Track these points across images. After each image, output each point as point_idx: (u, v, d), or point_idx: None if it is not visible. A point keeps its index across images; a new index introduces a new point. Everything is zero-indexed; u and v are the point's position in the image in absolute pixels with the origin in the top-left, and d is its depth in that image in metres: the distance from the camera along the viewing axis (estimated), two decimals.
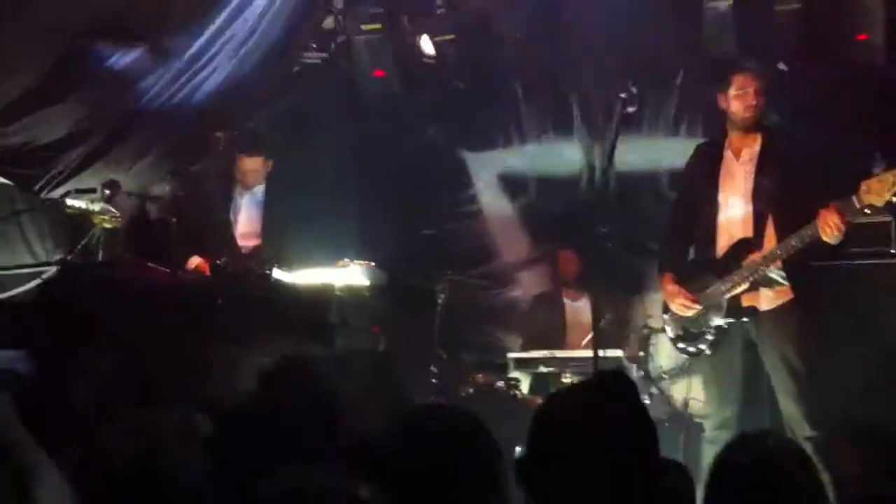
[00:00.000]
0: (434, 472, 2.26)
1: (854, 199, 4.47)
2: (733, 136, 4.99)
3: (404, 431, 2.37)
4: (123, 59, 6.35)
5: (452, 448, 2.31)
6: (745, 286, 4.78)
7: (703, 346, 4.96)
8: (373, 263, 5.89)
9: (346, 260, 5.85)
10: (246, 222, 6.27)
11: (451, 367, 6.14)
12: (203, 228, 6.03)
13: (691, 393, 5.60)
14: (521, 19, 7.14)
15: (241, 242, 6.14)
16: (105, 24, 6.13)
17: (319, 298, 5.43)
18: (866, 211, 4.56)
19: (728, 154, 4.99)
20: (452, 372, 6.09)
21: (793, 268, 4.72)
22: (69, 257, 5.76)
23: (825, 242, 4.56)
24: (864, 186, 4.45)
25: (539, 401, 5.75)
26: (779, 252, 4.68)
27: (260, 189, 6.30)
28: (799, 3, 6.71)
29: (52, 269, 5.54)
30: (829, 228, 4.48)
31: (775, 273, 4.75)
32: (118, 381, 4.97)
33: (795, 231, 4.64)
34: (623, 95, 4.78)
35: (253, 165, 6.24)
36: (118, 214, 5.89)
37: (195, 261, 5.81)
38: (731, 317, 4.84)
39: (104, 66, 6.30)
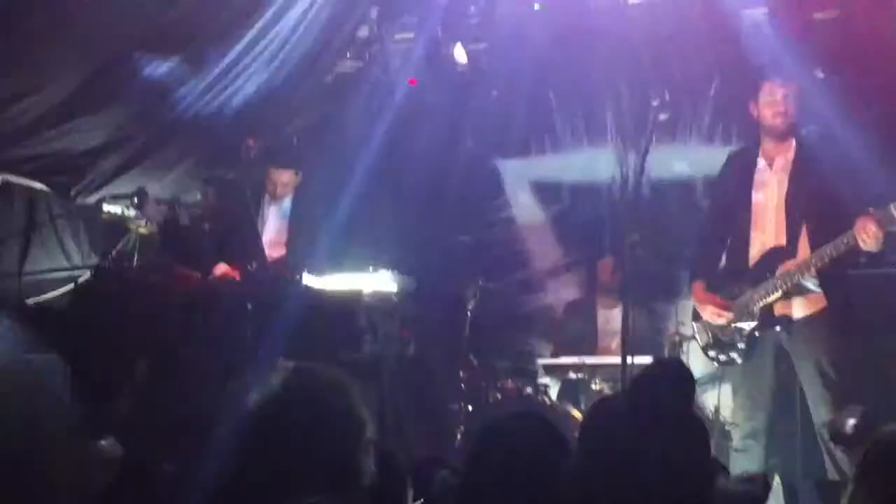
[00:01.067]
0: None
1: (892, 207, 4.41)
2: (766, 144, 4.96)
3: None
4: (160, 68, 6.43)
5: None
6: (777, 295, 4.74)
7: (734, 355, 4.92)
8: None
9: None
10: (273, 233, 6.32)
11: (481, 372, 6.13)
12: (235, 236, 6.08)
13: (722, 401, 5.54)
14: (554, 27, 7.14)
15: (268, 252, 6.18)
16: (142, 34, 6.21)
17: (349, 304, 5.46)
18: None
19: (761, 162, 4.95)
20: (482, 377, 6.07)
21: (827, 276, 4.66)
22: (104, 262, 5.84)
23: (863, 251, 4.51)
24: None
25: (570, 407, 5.74)
26: (814, 261, 4.63)
27: (288, 200, 6.36)
28: (837, 11, 6.65)
29: (87, 274, 5.61)
30: (867, 237, 4.43)
31: (809, 282, 4.70)
32: (152, 384, 5.05)
33: (829, 239, 4.59)
34: (656, 103, 4.76)
35: (285, 178, 6.31)
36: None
37: (222, 268, 5.86)
38: (764, 326, 4.79)
39: (141, 75, 6.38)
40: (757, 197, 4.91)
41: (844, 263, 4.68)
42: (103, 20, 5.85)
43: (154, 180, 6.67)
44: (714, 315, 4.93)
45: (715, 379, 5.75)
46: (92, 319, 5.19)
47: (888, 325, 5.50)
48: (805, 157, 4.85)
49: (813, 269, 4.65)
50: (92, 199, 6.52)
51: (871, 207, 4.46)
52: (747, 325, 4.82)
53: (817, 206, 4.73)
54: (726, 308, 4.89)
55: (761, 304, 4.78)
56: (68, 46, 5.89)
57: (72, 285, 5.49)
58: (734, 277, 4.95)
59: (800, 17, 6.74)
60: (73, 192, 6.47)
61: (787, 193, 4.81)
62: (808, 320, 4.74)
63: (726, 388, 5.38)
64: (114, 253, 5.98)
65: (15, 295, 5.74)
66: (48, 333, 5.21)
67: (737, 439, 4.88)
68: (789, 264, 4.72)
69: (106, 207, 6.16)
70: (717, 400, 5.60)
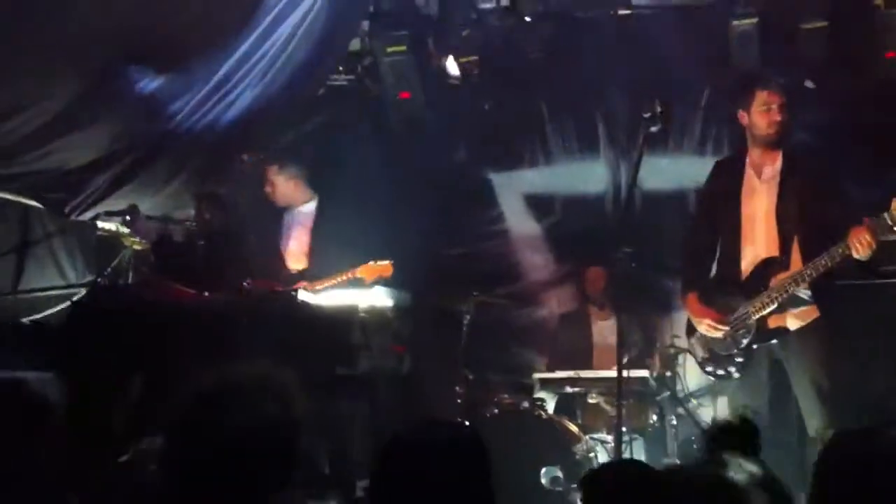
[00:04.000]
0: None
1: (886, 215, 4.42)
2: (754, 153, 4.96)
3: None
4: (153, 82, 6.41)
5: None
6: (773, 307, 4.74)
7: (731, 369, 4.91)
8: (389, 262, 5.93)
9: (371, 262, 5.90)
10: (291, 242, 6.35)
11: (477, 386, 6.12)
12: (229, 251, 6.07)
13: (718, 413, 5.55)
14: (545, 39, 7.16)
15: (288, 263, 6.20)
16: (135, 48, 6.19)
17: (343, 319, 5.46)
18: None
19: (749, 171, 4.95)
20: (478, 392, 6.07)
21: (819, 287, 4.68)
22: (99, 279, 5.82)
23: (854, 260, 4.52)
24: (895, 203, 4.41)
25: (565, 421, 5.74)
26: (809, 271, 4.63)
27: (304, 208, 6.38)
28: (825, 22, 6.69)
29: (82, 291, 5.60)
30: (861, 246, 4.44)
31: (802, 293, 4.71)
32: (147, 402, 5.04)
33: (820, 249, 4.60)
34: (647, 115, 4.77)
35: (286, 187, 6.32)
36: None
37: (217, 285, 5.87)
38: (761, 338, 4.79)
39: (134, 89, 6.36)
40: (746, 207, 4.92)
41: (837, 274, 4.70)
42: (94, 36, 5.83)
43: (149, 196, 6.65)
44: (710, 328, 4.92)
45: (711, 393, 5.77)
46: (88, 337, 5.17)
47: (879, 334, 5.54)
48: (793, 166, 4.85)
49: (808, 280, 4.66)
50: (87, 216, 6.50)
51: (865, 217, 4.48)
52: (744, 339, 4.82)
53: (807, 216, 4.73)
54: (722, 321, 4.89)
55: (757, 316, 4.78)
56: (60, 62, 5.87)
57: (67, 303, 5.47)
58: (727, 289, 4.94)
59: (788, 27, 6.78)
60: (67, 209, 6.45)
61: (777, 203, 4.82)
62: (801, 332, 4.75)
63: (722, 402, 5.39)
64: (109, 270, 5.96)
65: (10, 313, 5.73)
66: (44, 352, 5.21)
67: None
68: (783, 275, 4.73)
69: (101, 224, 6.15)
70: (714, 412, 5.61)
